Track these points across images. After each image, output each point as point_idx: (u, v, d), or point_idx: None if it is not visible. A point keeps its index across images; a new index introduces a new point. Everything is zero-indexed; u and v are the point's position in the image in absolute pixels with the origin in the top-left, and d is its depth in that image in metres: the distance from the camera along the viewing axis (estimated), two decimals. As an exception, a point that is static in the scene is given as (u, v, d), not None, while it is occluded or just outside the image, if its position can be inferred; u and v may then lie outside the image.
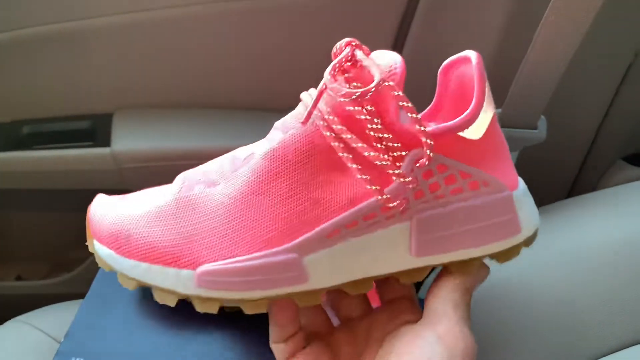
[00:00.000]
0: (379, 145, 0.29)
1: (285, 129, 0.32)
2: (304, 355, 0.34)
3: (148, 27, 0.63)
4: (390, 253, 0.32)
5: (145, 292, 0.50)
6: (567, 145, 0.69)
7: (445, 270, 0.33)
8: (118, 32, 0.63)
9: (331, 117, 0.29)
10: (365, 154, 0.28)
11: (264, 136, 0.36)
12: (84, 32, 0.63)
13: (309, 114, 0.30)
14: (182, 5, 0.62)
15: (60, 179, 0.70)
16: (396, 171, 0.28)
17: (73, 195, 0.74)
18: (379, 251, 0.32)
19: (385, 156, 0.28)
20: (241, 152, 0.36)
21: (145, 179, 0.67)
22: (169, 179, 0.66)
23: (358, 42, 0.31)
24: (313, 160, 0.31)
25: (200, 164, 0.66)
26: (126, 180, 0.68)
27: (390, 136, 0.29)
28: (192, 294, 0.35)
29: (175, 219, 0.35)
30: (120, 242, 0.36)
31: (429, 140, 0.28)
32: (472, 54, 0.33)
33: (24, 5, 0.61)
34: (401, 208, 0.30)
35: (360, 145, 0.28)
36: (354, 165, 0.29)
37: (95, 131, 0.69)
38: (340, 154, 0.29)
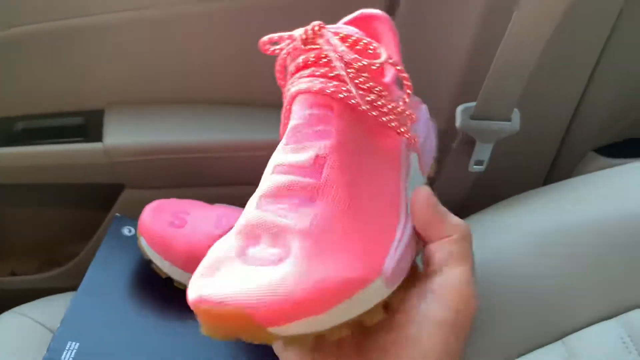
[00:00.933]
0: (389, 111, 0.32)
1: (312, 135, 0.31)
2: None
3: (139, 26, 0.64)
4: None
5: (137, 281, 0.52)
6: (540, 137, 0.71)
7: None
8: (109, 30, 0.64)
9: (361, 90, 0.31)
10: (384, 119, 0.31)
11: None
12: (75, 31, 0.64)
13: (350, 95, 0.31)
14: (172, 4, 0.63)
15: (53, 174, 0.71)
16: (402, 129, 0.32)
17: (66, 190, 0.76)
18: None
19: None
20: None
21: (137, 173, 0.69)
22: (159, 172, 0.69)
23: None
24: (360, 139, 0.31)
25: (190, 156, 0.68)
26: (118, 174, 0.69)
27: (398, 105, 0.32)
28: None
29: None
30: None
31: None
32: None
33: (17, 4, 0.62)
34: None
35: (388, 107, 0.31)
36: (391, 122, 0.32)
37: (88, 127, 0.70)
38: (378, 115, 0.31)
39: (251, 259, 0.27)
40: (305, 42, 0.31)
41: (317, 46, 0.31)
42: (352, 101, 0.30)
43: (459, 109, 0.52)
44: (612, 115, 0.73)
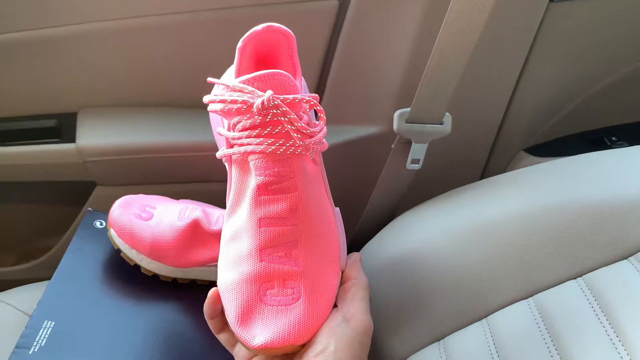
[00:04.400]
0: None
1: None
2: None
3: (109, 35, 0.67)
4: None
5: (108, 268, 0.56)
6: (473, 138, 0.76)
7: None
8: (81, 39, 0.67)
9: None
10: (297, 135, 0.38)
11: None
12: (50, 39, 0.66)
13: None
14: (142, 15, 0.66)
15: (29, 173, 0.73)
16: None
17: (41, 188, 0.79)
18: None
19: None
20: None
21: (108, 171, 0.72)
22: (129, 171, 0.71)
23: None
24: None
25: (157, 156, 0.71)
26: (90, 172, 0.72)
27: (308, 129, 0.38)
28: None
29: None
30: None
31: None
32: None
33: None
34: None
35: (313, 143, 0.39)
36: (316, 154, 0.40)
37: (61, 129, 0.72)
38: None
39: (271, 300, 0.37)
40: (260, 111, 0.36)
41: (268, 113, 0.37)
42: (304, 153, 0.38)
43: (396, 114, 0.57)
44: (539, 117, 0.78)
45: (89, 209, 0.62)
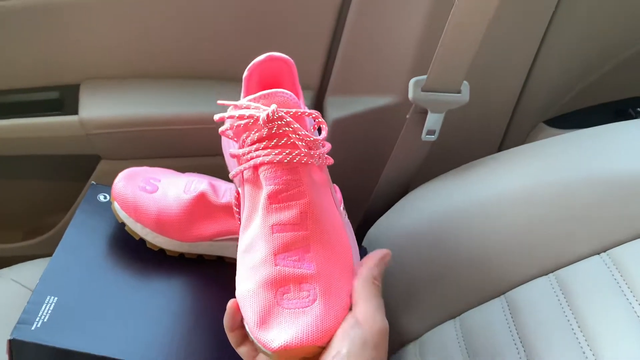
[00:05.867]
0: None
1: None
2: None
3: (113, 3, 0.66)
4: None
5: (113, 242, 0.55)
6: (491, 109, 0.75)
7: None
8: (84, 7, 0.66)
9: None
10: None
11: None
12: (51, 8, 0.65)
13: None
14: None
15: (31, 146, 0.73)
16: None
17: (45, 163, 0.78)
18: None
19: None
20: None
21: (112, 144, 0.72)
22: (133, 144, 0.71)
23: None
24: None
25: (162, 129, 0.70)
26: (94, 145, 0.72)
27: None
28: None
29: None
30: None
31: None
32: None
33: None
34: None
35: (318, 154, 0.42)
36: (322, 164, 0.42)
37: (64, 101, 0.71)
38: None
39: (289, 303, 0.38)
40: (266, 123, 0.39)
41: (274, 124, 0.39)
42: (310, 161, 0.40)
43: (411, 82, 0.55)
44: (559, 87, 0.77)
45: (93, 182, 0.61)
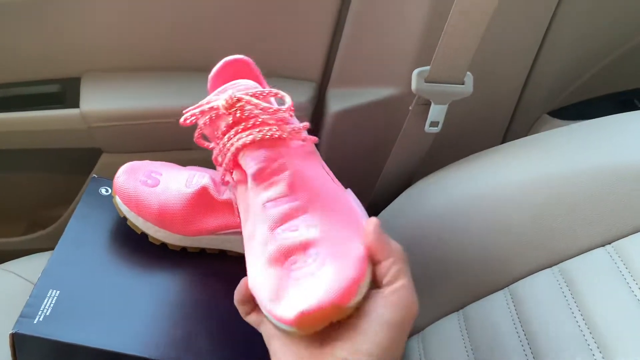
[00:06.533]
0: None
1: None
2: None
3: None
4: None
5: (115, 236, 0.55)
6: (495, 100, 0.74)
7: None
8: None
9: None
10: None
11: None
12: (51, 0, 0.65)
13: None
14: None
15: (32, 140, 0.72)
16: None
17: (47, 157, 0.78)
18: None
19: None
20: None
21: (113, 137, 0.71)
22: (135, 137, 0.71)
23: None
24: None
25: (164, 121, 0.70)
26: (95, 139, 0.71)
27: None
28: None
29: None
30: None
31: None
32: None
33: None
34: None
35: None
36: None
37: (65, 94, 0.71)
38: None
39: (297, 272, 0.36)
40: (227, 108, 0.40)
41: (235, 109, 0.40)
42: (284, 134, 0.40)
43: (414, 72, 0.55)
44: (563, 78, 0.76)
45: (94, 175, 0.61)
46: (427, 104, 0.57)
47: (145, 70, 0.71)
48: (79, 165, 0.77)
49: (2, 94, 0.71)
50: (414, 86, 0.55)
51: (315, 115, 0.74)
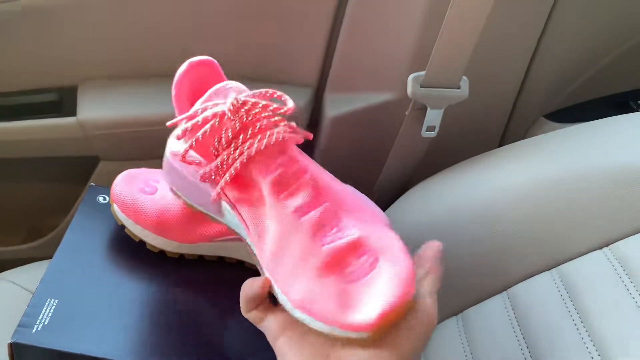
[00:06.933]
0: None
1: None
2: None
3: (110, 3, 0.65)
4: None
5: (113, 244, 0.55)
6: (491, 104, 0.74)
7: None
8: (82, 7, 0.65)
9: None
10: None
11: None
12: (48, 8, 0.65)
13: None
14: None
15: (30, 149, 0.72)
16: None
17: (45, 165, 0.78)
18: None
19: None
20: None
21: (111, 145, 0.71)
22: (132, 145, 0.71)
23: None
24: None
25: (161, 129, 0.69)
26: (93, 147, 0.71)
27: None
28: None
29: None
30: None
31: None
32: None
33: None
34: None
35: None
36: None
37: (62, 103, 0.71)
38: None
39: (356, 275, 0.34)
40: (234, 113, 0.36)
41: (241, 113, 0.36)
42: (293, 135, 0.37)
43: (410, 77, 0.55)
44: (559, 80, 0.76)
45: (92, 183, 0.61)
46: (423, 109, 0.57)
47: (141, 78, 0.71)
48: (76, 173, 0.77)
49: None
50: (409, 91, 0.55)
51: (311, 121, 0.74)
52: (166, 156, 0.42)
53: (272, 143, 0.36)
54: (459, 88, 0.56)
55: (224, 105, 0.36)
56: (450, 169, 0.61)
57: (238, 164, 0.36)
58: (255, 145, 0.36)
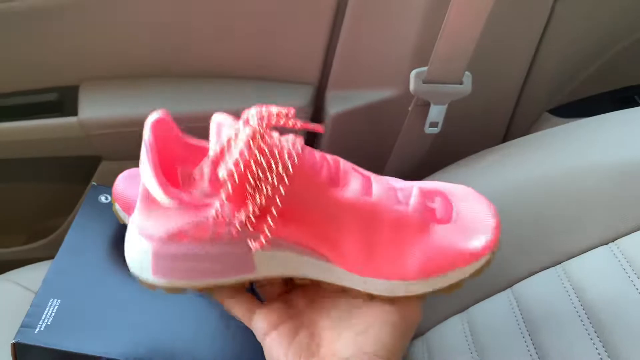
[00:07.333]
0: None
1: None
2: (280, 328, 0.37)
3: (111, 2, 0.65)
4: None
5: (115, 243, 0.54)
6: (495, 99, 0.74)
7: None
8: (82, 7, 0.65)
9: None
10: None
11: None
12: (49, 8, 0.65)
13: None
14: None
15: (31, 149, 0.72)
16: None
17: (47, 166, 0.78)
18: None
19: None
20: None
21: (113, 145, 0.71)
22: (134, 144, 0.70)
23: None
24: None
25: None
26: (94, 146, 0.71)
27: None
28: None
29: None
30: None
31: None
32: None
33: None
34: None
35: None
36: None
37: (63, 103, 0.71)
38: None
39: (443, 217, 0.36)
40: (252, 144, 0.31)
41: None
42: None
43: (412, 73, 0.55)
44: (563, 75, 0.76)
45: (93, 183, 0.61)
46: (426, 105, 0.57)
47: (143, 77, 0.71)
48: (78, 173, 0.77)
49: (0, 104, 0.71)
50: (412, 87, 0.55)
51: (314, 119, 0.74)
52: (151, 247, 0.36)
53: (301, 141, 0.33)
54: (461, 84, 0.56)
55: (242, 131, 0.31)
56: (453, 166, 0.61)
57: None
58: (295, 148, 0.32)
